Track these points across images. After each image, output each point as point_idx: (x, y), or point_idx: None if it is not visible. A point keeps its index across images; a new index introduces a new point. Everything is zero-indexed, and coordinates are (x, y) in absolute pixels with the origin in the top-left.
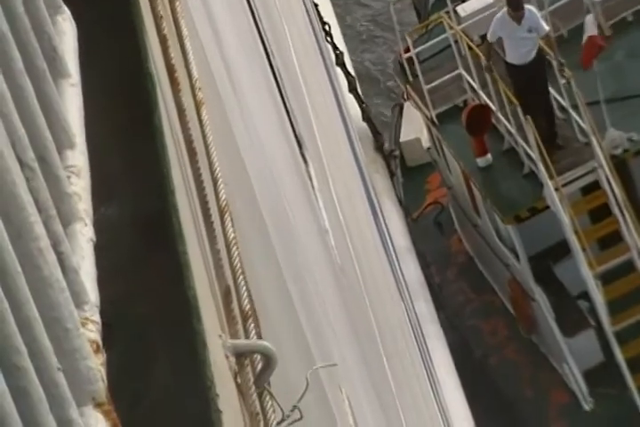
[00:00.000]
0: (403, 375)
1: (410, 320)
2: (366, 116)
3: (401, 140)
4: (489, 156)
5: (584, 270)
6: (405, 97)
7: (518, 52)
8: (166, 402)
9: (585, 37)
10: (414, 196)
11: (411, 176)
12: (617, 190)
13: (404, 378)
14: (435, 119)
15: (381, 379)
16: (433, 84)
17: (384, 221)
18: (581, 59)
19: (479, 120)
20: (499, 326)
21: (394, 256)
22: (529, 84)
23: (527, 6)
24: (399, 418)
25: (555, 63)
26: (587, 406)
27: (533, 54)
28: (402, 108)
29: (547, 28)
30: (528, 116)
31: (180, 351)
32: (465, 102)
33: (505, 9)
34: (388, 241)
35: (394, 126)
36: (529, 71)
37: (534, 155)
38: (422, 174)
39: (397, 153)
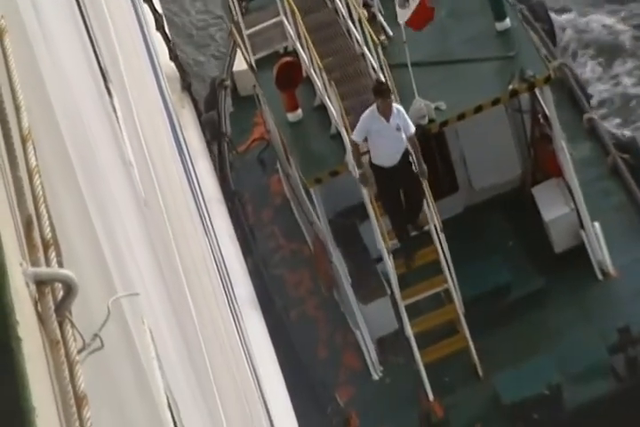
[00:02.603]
0: (206, 310)
1: (214, 257)
2: (173, 55)
3: (234, 69)
4: (299, 111)
5: (379, 242)
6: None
7: (385, 153)
8: None
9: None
10: (242, 128)
11: (241, 106)
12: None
13: (207, 313)
14: (254, 64)
15: (184, 313)
16: (255, 29)
17: (190, 157)
18: (412, 20)
19: (289, 76)
20: (304, 278)
21: (199, 192)
22: (393, 187)
23: (395, 105)
24: (201, 351)
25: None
26: (375, 375)
27: (399, 157)
28: None
29: (413, 128)
30: (332, 84)
31: None
32: (286, 49)
33: (373, 107)
34: (193, 177)
35: (228, 55)
36: (394, 174)
37: (338, 120)
38: (253, 106)
39: (228, 83)
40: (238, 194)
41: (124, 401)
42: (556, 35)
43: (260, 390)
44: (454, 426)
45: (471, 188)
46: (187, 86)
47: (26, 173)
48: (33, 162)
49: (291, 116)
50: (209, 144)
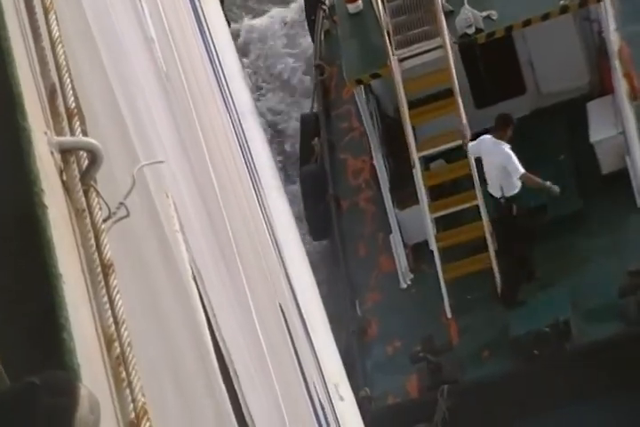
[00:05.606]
0: (228, 181)
1: (235, 130)
2: None
3: None
4: (359, 2)
5: (412, 151)
6: None
7: (490, 180)
8: None
9: None
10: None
11: None
12: (453, 71)
13: (229, 184)
14: None
15: (207, 185)
16: None
17: (210, 33)
18: None
19: None
20: (365, 167)
21: (220, 68)
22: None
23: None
24: (224, 223)
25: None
26: (403, 283)
27: (499, 192)
28: None
29: (521, 170)
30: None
31: (4, 148)
32: None
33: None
34: (214, 53)
35: None
36: (503, 207)
37: (382, 24)
38: None
39: None
40: (321, 68)
41: (150, 272)
42: None
43: (283, 262)
44: (460, 351)
45: (538, 91)
46: None
47: (49, 43)
48: (56, 32)
49: (351, 7)
50: (307, 11)
